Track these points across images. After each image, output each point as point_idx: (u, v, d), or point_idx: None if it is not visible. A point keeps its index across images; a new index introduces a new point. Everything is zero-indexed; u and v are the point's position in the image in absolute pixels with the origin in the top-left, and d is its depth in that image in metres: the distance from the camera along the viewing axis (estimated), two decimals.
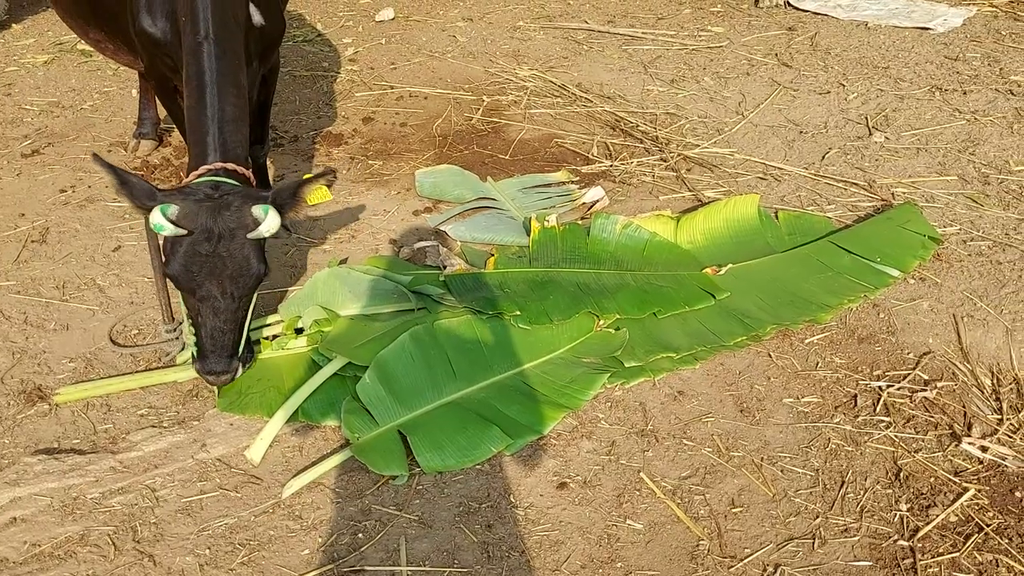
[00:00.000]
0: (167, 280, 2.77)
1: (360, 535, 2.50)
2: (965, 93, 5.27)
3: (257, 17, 3.16)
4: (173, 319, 3.09)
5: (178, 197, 2.56)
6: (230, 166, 2.73)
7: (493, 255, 3.67)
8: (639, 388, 3.06)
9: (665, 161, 4.63)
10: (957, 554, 2.46)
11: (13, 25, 6.51)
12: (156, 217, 2.48)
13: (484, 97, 5.42)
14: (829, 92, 5.37)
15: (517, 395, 2.87)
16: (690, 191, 4.34)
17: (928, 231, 3.75)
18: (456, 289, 3.33)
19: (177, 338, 3.10)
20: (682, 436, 2.89)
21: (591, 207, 4.14)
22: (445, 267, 3.53)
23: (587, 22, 6.63)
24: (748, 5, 6.96)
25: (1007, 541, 2.50)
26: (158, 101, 4.57)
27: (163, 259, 2.66)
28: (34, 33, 6.47)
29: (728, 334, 3.23)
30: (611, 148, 4.80)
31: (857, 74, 5.58)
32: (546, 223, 3.75)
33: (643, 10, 6.90)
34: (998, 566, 2.43)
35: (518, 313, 3.19)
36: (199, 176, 2.68)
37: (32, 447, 2.77)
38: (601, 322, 3.24)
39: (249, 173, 2.83)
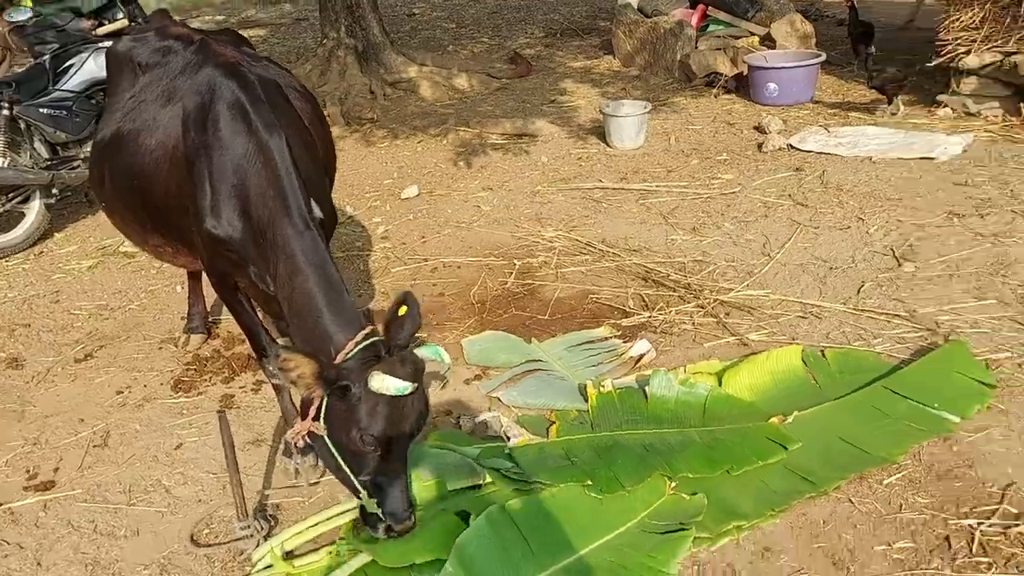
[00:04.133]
0: (238, 470, 2.81)
1: None
2: (982, 216, 5.41)
3: (316, 211, 3.31)
4: (248, 514, 3.07)
5: (374, 362, 2.69)
6: (369, 329, 2.83)
7: (553, 422, 3.67)
8: (724, 548, 2.98)
9: (702, 307, 4.70)
10: None
11: (55, 234, 6.80)
12: (392, 383, 2.61)
13: (515, 261, 5.58)
14: (849, 227, 5.52)
15: (601, 573, 2.79)
16: (733, 335, 4.38)
17: (981, 375, 3.73)
18: (523, 461, 3.31)
19: (252, 535, 3.07)
20: None
21: (639, 360, 4.18)
22: (509, 438, 3.52)
23: (601, 181, 6.91)
24: (752, 151, 7.27)
25: None
26: (204, 296, 4.72)
27: (355, 426, 2.69)
28: (76, 240, 6.75)
29: (794, 494, 3.16)
30: (646, 299, 4.90)
31: (873, 207, 5.76)
32: (602, 388, 3.77)
33: (653, 165, 7.20)
34: None
35: (589, 483, 3.16)
36: (358, 344, 2.76)
37: None
38: (672, 484, 3.19)
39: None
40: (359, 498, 2.84)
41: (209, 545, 3.16)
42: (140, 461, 3.74)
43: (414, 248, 6.02)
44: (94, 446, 3.87)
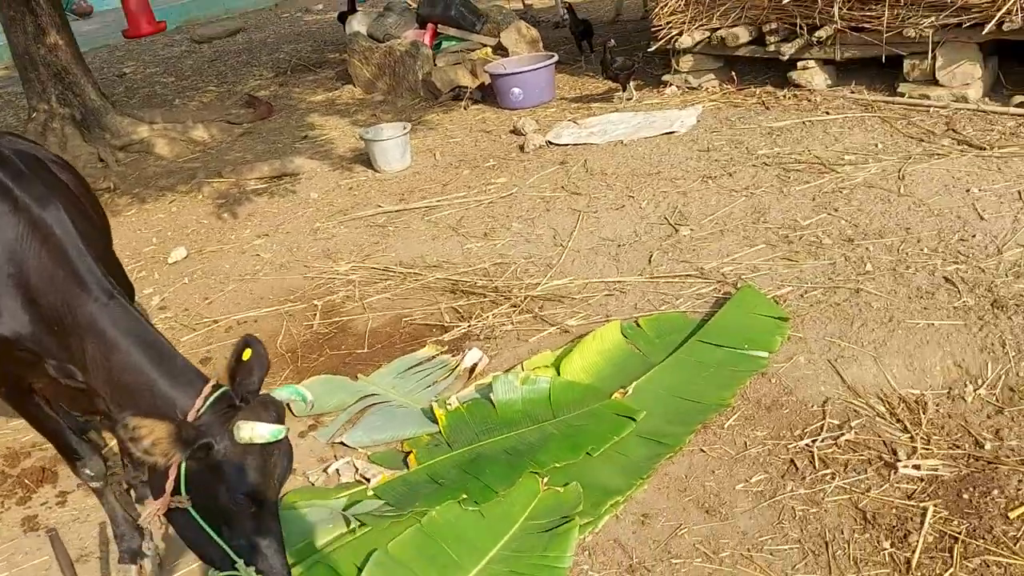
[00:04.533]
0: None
1: None
2: (731, 175, 5.99)
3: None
4: None
5: (232, 413, 2.45)
6: (214, 382, 2.58)
7: (409, 451, 3.58)
8: (606, 527, 3.06)
9: (516, 306, 4.80)
10: (953, 569, 2.64)
11: None
12: (264, 430, 2.37)
13: (315, 302, 5.38)
14: (623, 206, 5.88)
15: None
16: (552, 325, 4.52)
17: (775, 312, 4.13)
18: (391, 497, 3.20)
19: None
20: (669, 557, 2.91)
21: (473, 370, 4.19)
22: (368, 480, 3.38)
23: (380, 205, 6.85)
24: (515, 153, 7.53)
25: (983, 541, 2.73)
26: None
27: (225, 485, 2.45)
28: None
29: (654, 458, 3.33)
30: (460, 311, 4.92)
31: (638, 184, 6.18)
32: (448, 406, 3.74)
33: (426, 182, 7.25)
34: (989, 566, 2.63)
35: (464, 497, 3.11)
36: (207, 399, 2.51)
37: None
38: (544, 480, 3.22)
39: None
40: (231, 568, 2.57)
41: None
42: None
43: (199, 312, 5.62)
44: None
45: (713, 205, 5.58)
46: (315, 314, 5.22)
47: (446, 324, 4.79)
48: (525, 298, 4.87)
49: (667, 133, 7.14)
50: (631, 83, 8.26)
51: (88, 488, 3.27)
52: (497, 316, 4.75)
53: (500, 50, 10.14)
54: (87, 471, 3.10)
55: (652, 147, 6.92)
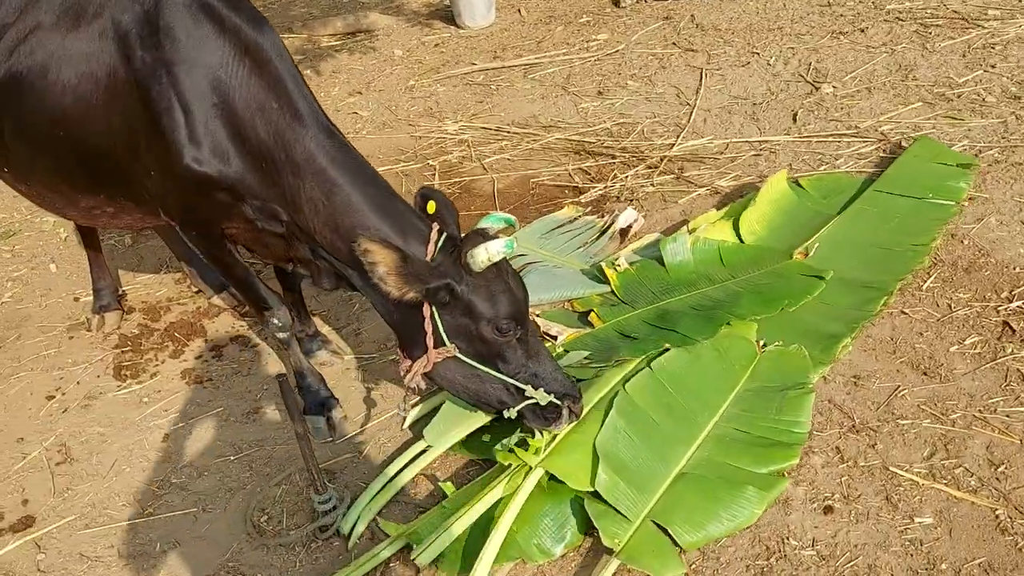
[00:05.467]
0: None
1: None
2: (863, 31, 5.59)
3: None
4: (326, 486, 2.63)
5: (467, 242, 2.38)
6: (438, 226, 2.53)
7: (586, 310, 3.43)
8: (817, 388, 2.92)
9: (653, 168, 4.56)
10: None
11: None
12: (497, 245, 2.32)
13: (430, 161, 5.14)
14: (749, 63, 5.53)
15: (741, 445, 2.64)
16: (700, 187, 4.29)
17: (957, 159, 3.89)
18: (592, 349, 3.08)
19: (335, 507, 2.64)
20: (894, 419, 2.79)
21: (627, 231, 3.99)
22: (555, 336, 3.25)
23: (475, 63, 6.48)
24: (610, 8, 7.08)
25: None
26: (107, 265, 3.97)
27: (487, 318, 2.40)
28: None
29: (870, 302, 3.17)
30: (591, 172, 4.68)
31: (760, 40, 5.79)
32: (618, 267, 3.56)
33: (518, 38, 6.84)
34: None
35: (667, 347, 2.97)
36: (436, 243, 2.46)
37: None
38: (761, 343, 3.06)
39: None
40: (518, 401, 2.48)
41: (289, 532, 2.69)
42: (128, 466, 3.12)
43: None
44: (57, 464, 3.18)
45: (851, 62, 5.23)
46: (433, 174, 4.99)
47: (580, 185, 4.56)
48: (662, 159, 4.62)
49: None
50: None
51: (272, 337, 3.13)
52: (636, 177, 4.51)
53: None
54: (275, 320, 2.96)
55: (764, 2, 6.46)
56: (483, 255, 2.29)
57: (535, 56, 6.38)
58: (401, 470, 2.76)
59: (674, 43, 6.09)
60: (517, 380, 2.46)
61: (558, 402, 2.48)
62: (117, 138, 2.64)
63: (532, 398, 2.45)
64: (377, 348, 3.57)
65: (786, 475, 2.59)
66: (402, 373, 2.56)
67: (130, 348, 3.77)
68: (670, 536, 2.40)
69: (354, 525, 2.61)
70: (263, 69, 2.49)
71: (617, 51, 6.17)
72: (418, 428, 3.01)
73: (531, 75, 6.07)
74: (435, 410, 3.03)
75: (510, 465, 2.58)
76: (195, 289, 4.06)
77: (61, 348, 3.87)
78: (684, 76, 5.55)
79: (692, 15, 6.51)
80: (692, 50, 5.90)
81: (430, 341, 2.43)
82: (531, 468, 2.52)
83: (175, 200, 2.69)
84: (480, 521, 2.49)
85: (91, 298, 4.06)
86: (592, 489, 2.48)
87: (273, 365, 3.56)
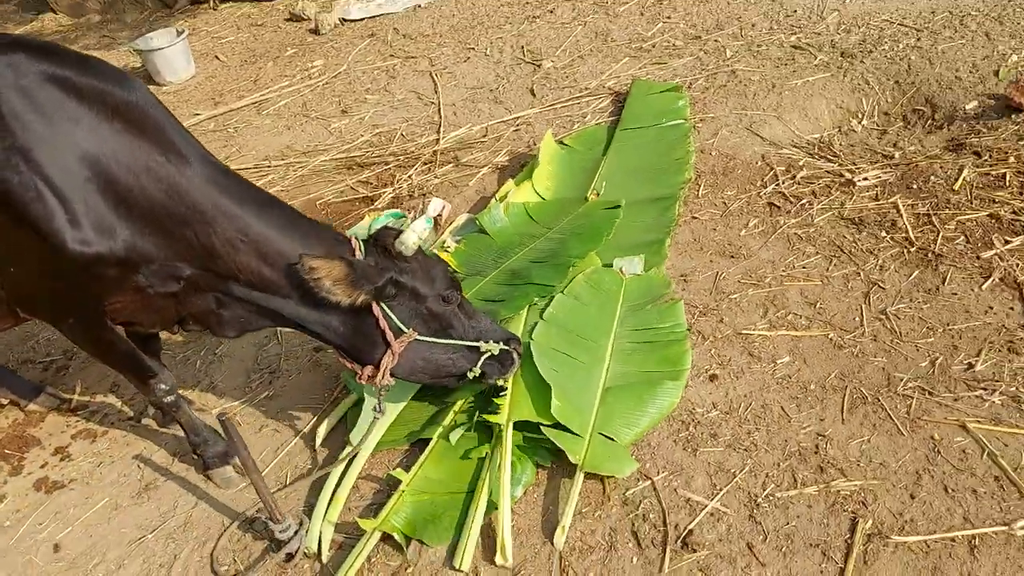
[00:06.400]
0: None
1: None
2: (551, 11, 6.32)
3: None
4: (282, 515, 2.60)
5: (385, 235, 2.57)
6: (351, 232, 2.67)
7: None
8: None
9: (429, 163, 4.85)
10: (940, 235, 3.34)
11: None
12: (418, 224, 2.54)
13: None
14: (469, 58, 6.03)
15: (641, 353, 3.03)
16: (484, 167, 4.66)
17: (665, 86, 4.69)
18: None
19: (296, 532, 2.63)
20: (725, 296, 3.34)
21: (438, 219, 4.25)
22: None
23: (198, 113, 6.33)
24: (311, 38, 7.24)
25: (946, 210, 3.46)
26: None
27: (433, 297, 2.60)
28: None
29: (667, 210, 3.80)
30: (371, 181, 4.86)
31: (468, 37, 6.31)
32: (448, 249, 3.82)
33: (231, 82, 6.76)
34: (961, 223, 3.37)
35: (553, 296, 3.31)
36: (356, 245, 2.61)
37: None
38: (621, 269, 3.46)
39: None
40: (476, 362, 2.68)
41: (256, 568, 2.62)
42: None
43: None
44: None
45: (555, 39, 5.90)
46: None
47: (369, 195, 4.73)
48: (434, 153, 4.93)
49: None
50: None
51: (159, 403, 2.95)
52: (418, 175, 4.77)
53: None
54: (162, 386, 2.83)
55: (454, 4, 7.01)
56: (412, 238, 2.45)
57: (260, 93, 6.38)
58: (341, 479, 2.80)
59: (391, 55, 6.42)
60: (471, 340, 2.65)
61: (507, 348, 2.70)
62: None
63: (487, 351, 2.66)
64: (240, 393, 3.50)
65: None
66: (364, 380, 2.62)
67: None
68: (613, 441, 2.72)
69: (319, 541, 2.63)
70: (140, 127, 2.35)
71: (341, 72, 6.36)
72: (330, 443, 3.06)
73: (265, 111, 6.07)
74: (341, 421, 3.11)
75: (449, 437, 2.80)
76: (4, 402, 3.66)
77: None
78: (416, 80, 5.90)
79: (395, 28, 6.89)
80: (412, 57, 6.27)
81: (390, 335, 2.52)
82: (502, 428, 2.73)
83: (48, 293, 2.48)
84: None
85: None
86: (552, 422, 2.74)
87: (133, 444, 3.35)
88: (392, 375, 2.60)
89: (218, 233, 2.41)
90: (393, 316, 2.52)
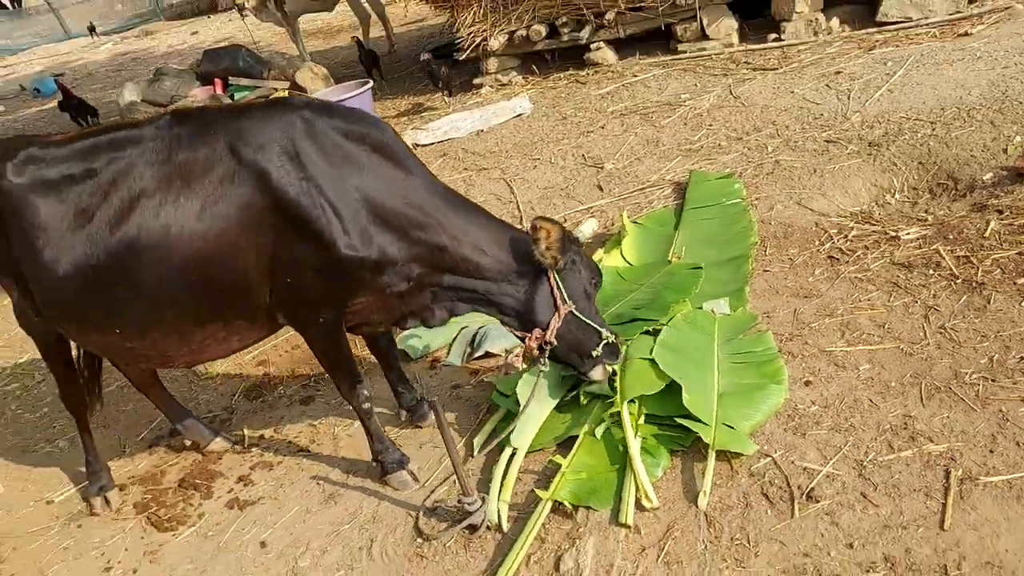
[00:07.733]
0: None
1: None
2: (603, 127, 7.25)
3: None
4: (472, 490, 3.16)
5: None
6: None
7: None
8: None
9: None
10: (976, 272, 4.02)
11: None
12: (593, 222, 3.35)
13: None
14: (536, 167, 6.87)
15: (746, 370, 3.65)
16: None
17: (720, 175, 5.58)
18: None
19: (480, 507, 3.16)
20: (805, 324, 3.98)
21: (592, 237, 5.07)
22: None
23: None
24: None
25: (981, 251, 4.16)
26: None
27: (589, 281, 3.35)
28: None
29: (741, 267, 4.50)
30: None
31: (530, 151, 7.21)
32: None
33: None
34: (995, 263, 4.05)
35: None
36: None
37: None
38: (712, 309, 4.12)
39: None
40: (599, 346, 3.34)
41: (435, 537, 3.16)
42: None
43: None
44: None
45: (611, 147, 6.79)
46: None
47: None
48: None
49: (515, 116, 8.24)
50: (453, 86, 9.27)
51: (359, 407, 3.51)
52: None
53: (297, 88, 10.60)
54: (364, 392, 3.45)
55: (512, 128, 7.98)
56: (589, 229, 3.20)
57: None
58: (507, 469, 3.37)
59: (465, 168, 7.31)
60: (598, 326, 3.35)
61: (616, 340, 3.44)
62: (250, 261, 3.05)
63: (607, 338, 3.35)
64: (394, 423, 4.06)
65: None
66: (534, 342, 3.27)
67: (154, 506, 3.86)
68: (734, 429, 3.31)
69: (498, 513, 3.17)
70: (389, 157, 3.14)
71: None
72: (485, 451, 3.63)
73: None
74: (494, 431, 3.69)
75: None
76: (187, 443, 4.24)
77: (75, 539, 3.82)
78: (492, 186, 6.74)
79: (463, 148, 7.82)
80: (484, 168, 7.16)
81: (559, 301, 3.19)
82: (628, 408, 3.36)
83: (314, 293, 3.13)
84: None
85: (64, 496, 4.06)
86: (668, 414, 3.34)
87: (308, 468, 3.88)
88: (554, 339, 3.25)
89: (447, 232, 3.14)
90: (562, 287, 3.20)
